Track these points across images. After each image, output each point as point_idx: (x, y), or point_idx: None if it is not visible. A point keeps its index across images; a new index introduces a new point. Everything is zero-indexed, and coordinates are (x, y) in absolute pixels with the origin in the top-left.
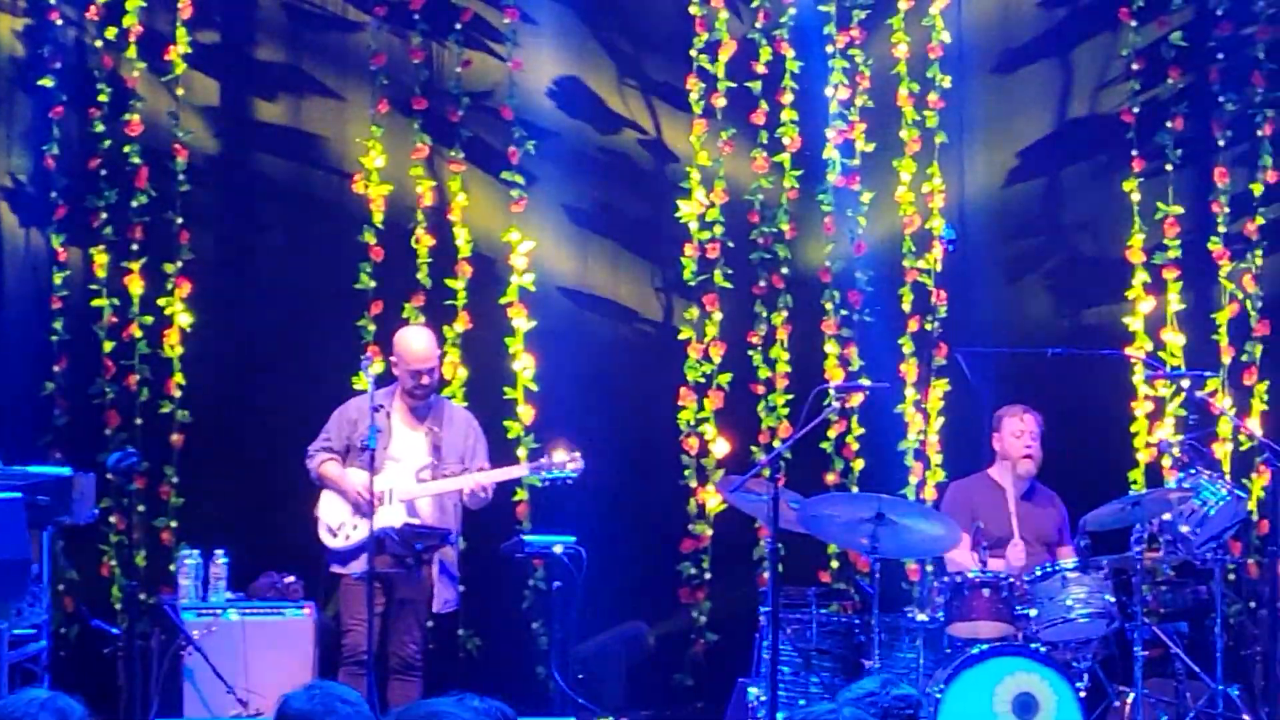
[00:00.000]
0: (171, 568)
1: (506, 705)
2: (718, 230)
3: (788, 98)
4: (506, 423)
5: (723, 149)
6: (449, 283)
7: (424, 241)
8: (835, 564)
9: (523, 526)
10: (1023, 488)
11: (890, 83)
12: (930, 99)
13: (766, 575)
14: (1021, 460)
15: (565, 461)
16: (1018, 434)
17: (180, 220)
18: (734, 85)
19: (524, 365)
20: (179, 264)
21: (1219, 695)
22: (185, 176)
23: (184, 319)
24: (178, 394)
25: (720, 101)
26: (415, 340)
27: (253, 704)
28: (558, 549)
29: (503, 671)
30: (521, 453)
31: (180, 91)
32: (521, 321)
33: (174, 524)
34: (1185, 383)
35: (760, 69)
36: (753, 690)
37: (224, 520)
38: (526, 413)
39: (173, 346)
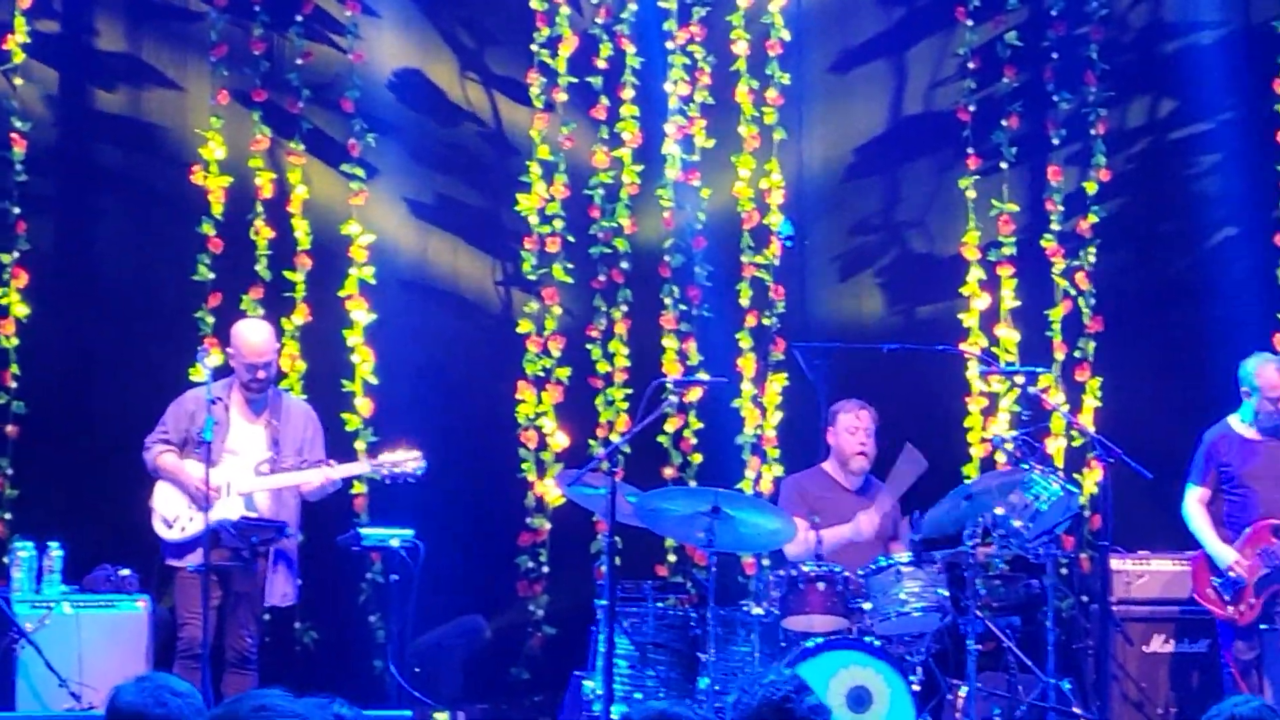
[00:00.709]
0: (4, 560)
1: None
2: (558, 224)
3: (628, 93)
4: (345, 416)
5: (563, 143)
6: (288, 275)
7: (263, 233)
8: (672, 558)
9: (360, 519)
10: (857, 482)
11: (730, 79)
12: (769, 96)
13: (604, 569)
14: (855, 457)
15: (407, 460)
16: (852, 430)
17: (17, 210)
18: (575, 80)
19: (363, 358)
20: (15, 254)
21: (1050, 689)
22: (23, 166)
23: (20, 310)
24: (13, 385)
25: (561, 96)
26: (252, 334)
27: (86, 697)
28: (395, 542)
29: (339, 665)
30: (360, 445)
31: (19, 81)
32: (361, 314)
33: (8, 516)
34: (1019, 379)
35: (601, 64)
36: (588, 684)
37: (59, 512)
38: (365, 406)
39: (8, 337)
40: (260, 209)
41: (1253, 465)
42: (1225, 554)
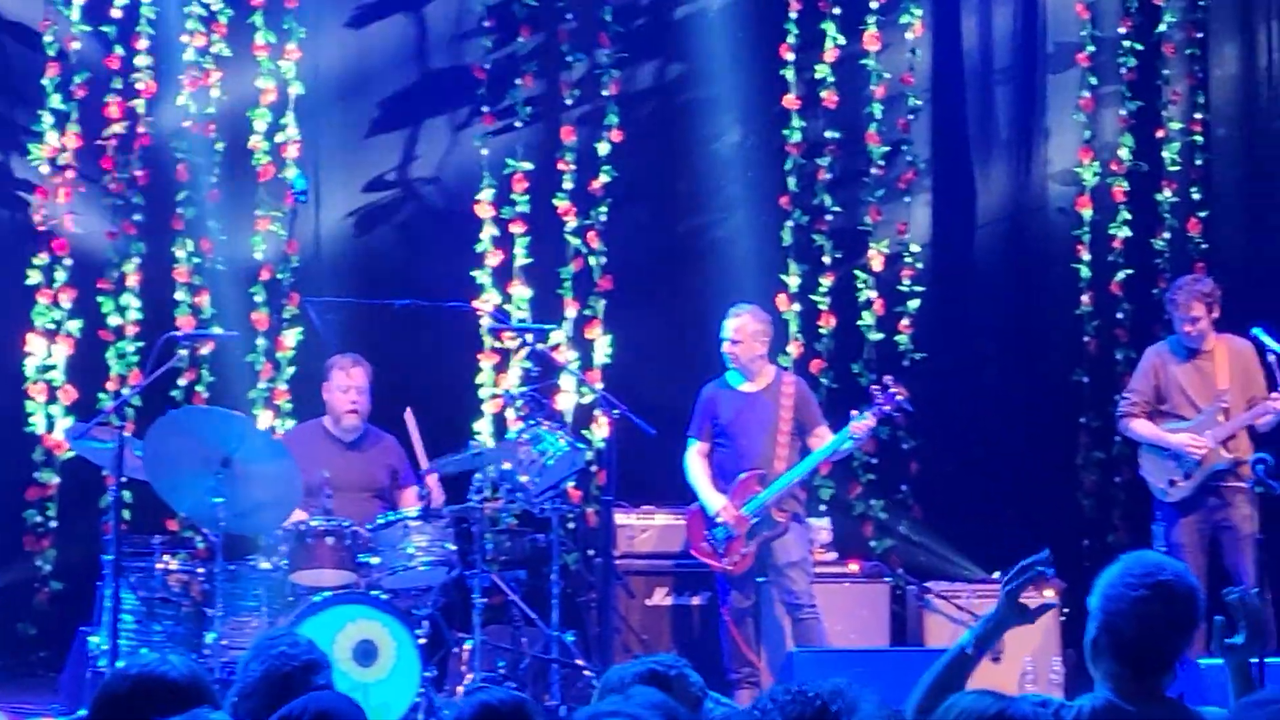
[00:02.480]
0: None
1: None
2: (70, 175)
3: (143, 44)
4: None
5: (76, 92)
6: None
7: None
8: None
9: None
10: (351, 436)
11: (246, 32)
12: (287, 49)
13: (111, 523)
14: (346, 415)
15: None
16: (344, 389)
17: None
18: (89, 29)
19: None
20: None
21: (554, 641)
22: None
23: None
24: None
25: (75, 45)
26: None
27: None
28: None
29: None
30: None
31: None
32: None
33: None
34: (530, 336)
35: (116, 13)
36: (94, 639)
37: None
38: None
39: None
40: None
41: (740, 417)
42: (714, 501)
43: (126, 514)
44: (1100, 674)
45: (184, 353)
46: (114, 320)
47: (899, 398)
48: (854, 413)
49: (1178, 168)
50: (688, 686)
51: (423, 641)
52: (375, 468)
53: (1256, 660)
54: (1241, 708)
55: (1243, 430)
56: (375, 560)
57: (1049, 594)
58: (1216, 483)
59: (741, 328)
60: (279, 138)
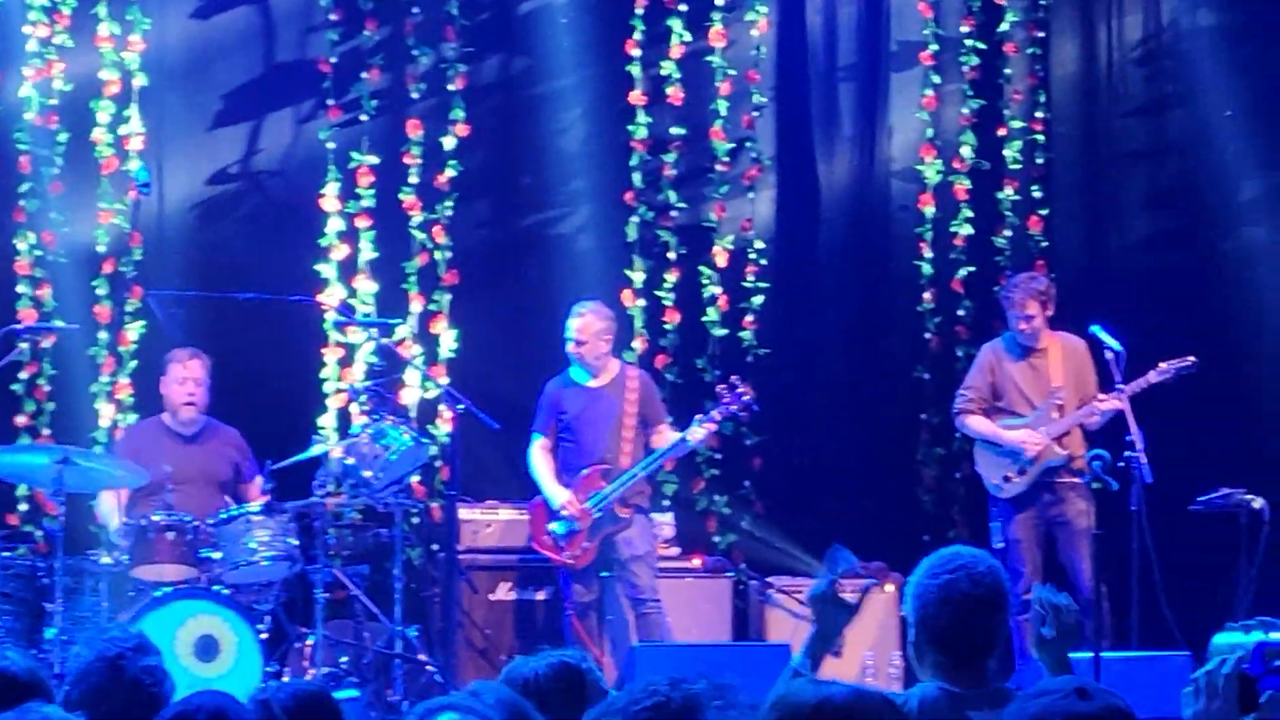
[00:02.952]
0: None
1: None
2: None
3: None
4: None
5: None
6: None
7: None
8: (24, 507)
9: None
10: (191, 429)
11: (90, 22)
12: (131, 40)
13: None
14: (183, 408)
15: None
16: (180, 381)
17: None
18: None
19: None
20: None
21: (398, 636)
22: None
23: None
24: None
25: None
26: None
27: None
28: None
29: None
30: None
31: None
32: None
33: None
34: (374, 330)
35: None
36: None
37: None
38: None
39: None
40: None
41: (584, 413)
42: (558, 495)
43: None
44: (928, 672)
45: (25, 346)
46: None
47: (745, 397)
48: (699, 416)
49: (1019, 166)
50: (597, 679)
51: (264, 637)
52: (216, 460)
53: (1091, 656)
54: (1023, 697)
55: (1076, 427)
56: (217, 555)
57: (889, 589)
58: (1050, 479)
59: (585, 327)
60: (122, 129)
